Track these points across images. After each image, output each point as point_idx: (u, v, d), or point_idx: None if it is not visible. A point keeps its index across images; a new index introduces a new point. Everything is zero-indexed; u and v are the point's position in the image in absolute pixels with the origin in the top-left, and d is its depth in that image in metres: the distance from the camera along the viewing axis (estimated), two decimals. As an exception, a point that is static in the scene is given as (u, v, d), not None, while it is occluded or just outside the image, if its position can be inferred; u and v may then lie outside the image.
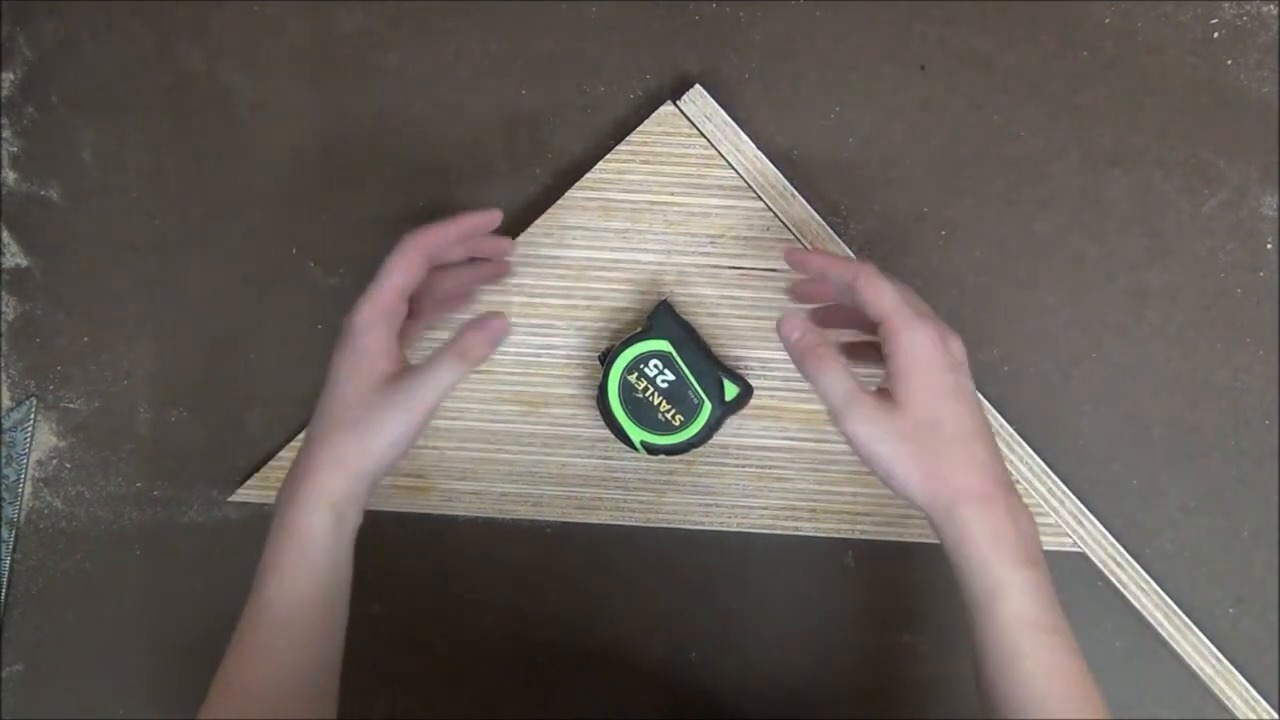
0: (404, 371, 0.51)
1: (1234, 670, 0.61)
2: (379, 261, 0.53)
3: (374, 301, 0.52)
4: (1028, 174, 0.64)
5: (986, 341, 0.64)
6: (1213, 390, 0.63)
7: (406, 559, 0.65)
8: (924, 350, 0.48)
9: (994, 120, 0.64)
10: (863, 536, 0.63)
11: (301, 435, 0.65)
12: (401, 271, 0.52)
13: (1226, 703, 0.61)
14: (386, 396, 0.50)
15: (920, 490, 0.48)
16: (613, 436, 0.61)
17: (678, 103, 0.63)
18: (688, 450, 0.60)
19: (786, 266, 0.63)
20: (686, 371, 0.59)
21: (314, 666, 0.50)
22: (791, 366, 0.63)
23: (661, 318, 0.60)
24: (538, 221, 0.64)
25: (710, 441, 0.61)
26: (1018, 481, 0.62)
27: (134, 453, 0.66)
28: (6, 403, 0.67)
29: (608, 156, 0.64)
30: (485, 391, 0.64)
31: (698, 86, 0.63)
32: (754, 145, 0.63)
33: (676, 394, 0.59)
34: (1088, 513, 0.62)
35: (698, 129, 0.63)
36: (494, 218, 0.56)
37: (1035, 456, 0.62)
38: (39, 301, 0.67)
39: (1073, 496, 0.62)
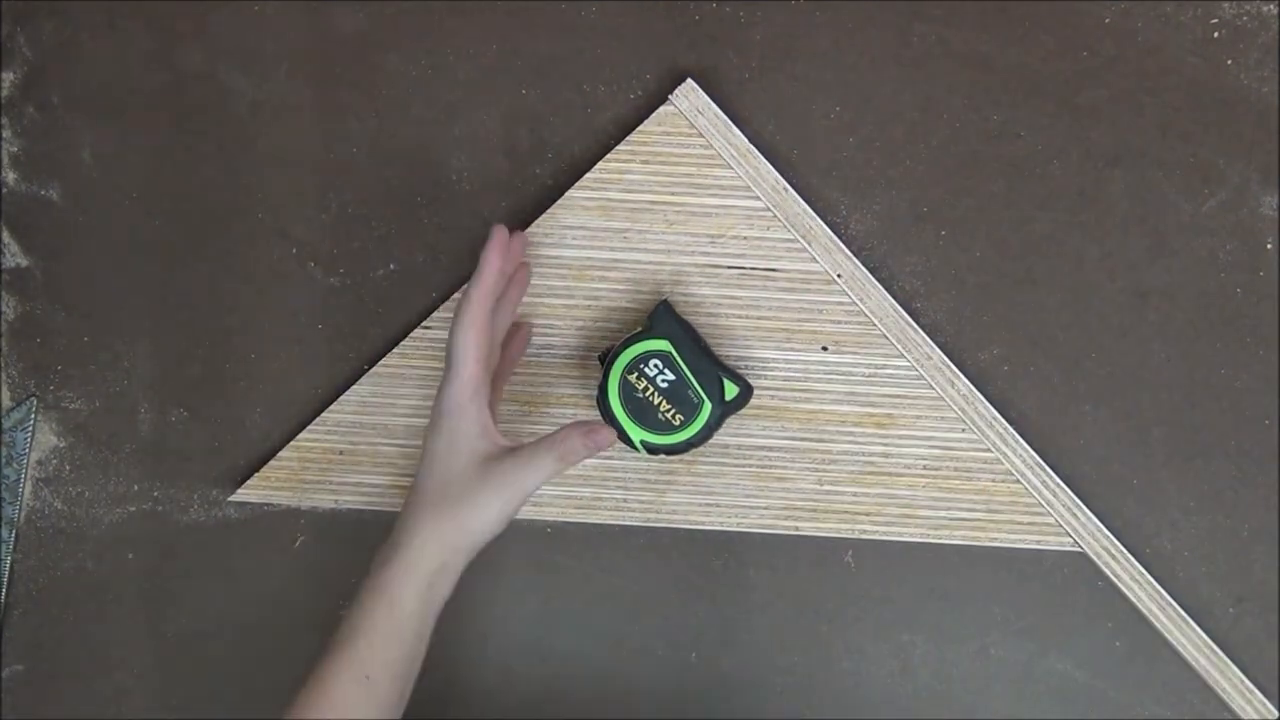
0: (503, 454, 0.53)
1: (1235, 669, 0.61)
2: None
3: (460, 383, 0.53)
4: (1028, 174, 0.64)
5: (986, 341, 0.64)
6: (1213, 390, 0.63)
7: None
8: None
9: (994, 120, 0.64)
10: (863, 536, 0.64)
11: (301, 435, 0.65)
12: (474, 346, 0.53)
13: (1228, 701, 0.61)
14: (486, 478, 0.52)
15: None
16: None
17: (670, 97, 0.63)
18: (688, 450, 0.60)
19: (786, 266, 0.63)
20: (686, 371, 0.59)
21: None
22: (791, 366, 0.64)
23: (661, 318, 0.60)
24: (538, 221, 0.64)
25: (710, 441, 0.61)
26: (1017, 481, 0.62)
27: (134, 453, 0.66)
28: (6, 403, 0.67)
29: (608, 156, 0.64)
30: (485, 391, 0.64)
31: (689, 81, 0.63)
32: (745, 138, 0.63)
33: (676, 394, 0.59)
34: (1088, 512, 0.62)
35: (688, 120, 0.63)
36: (507, 236, 0.56)
37: (1035, 456, 0.62)
38: (39, 301, 0.67)
39: (1073, 496, 0.62)
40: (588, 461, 0.63)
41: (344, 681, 0.51)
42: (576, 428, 0.53)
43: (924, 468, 0.63)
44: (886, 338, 0.63)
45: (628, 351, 0.60)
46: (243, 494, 0.65)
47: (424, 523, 0.52)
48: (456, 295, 0.64)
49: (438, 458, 0.53)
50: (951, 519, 0.63)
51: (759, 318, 0.63)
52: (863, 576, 0.64)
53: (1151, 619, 0.62)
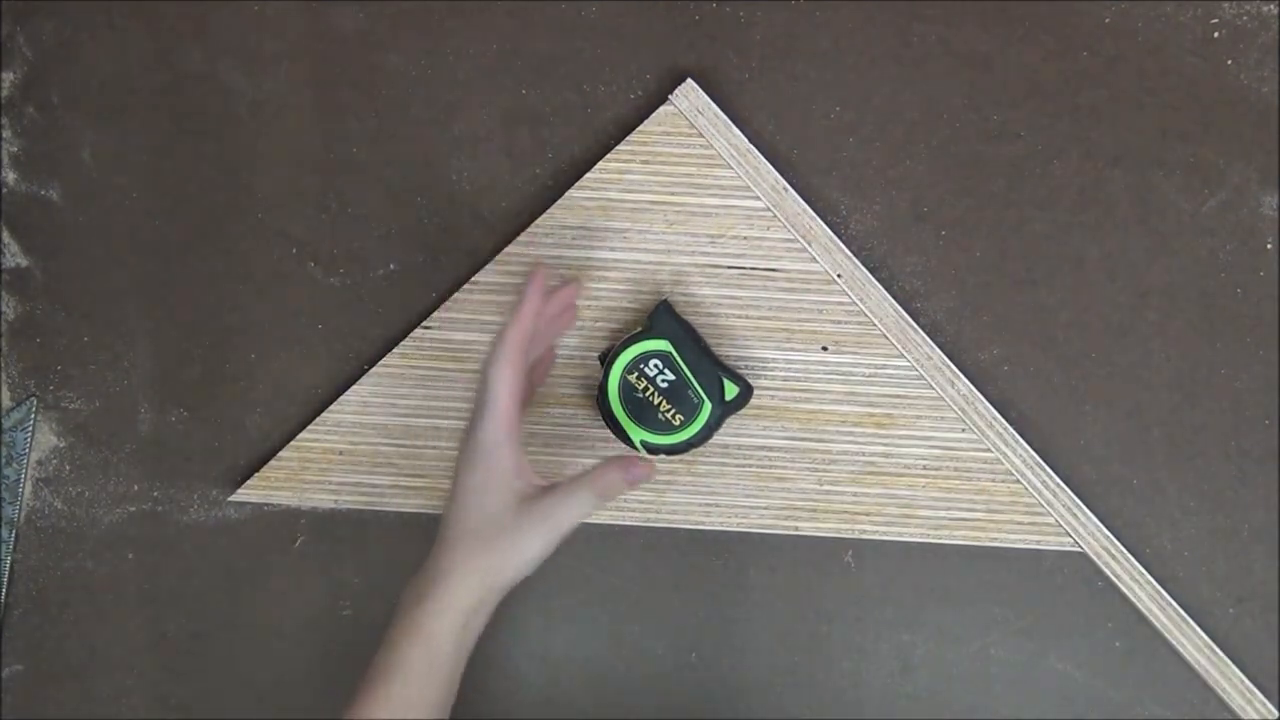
0: (541, 492, 0.53)
1: (1235, 669, 0.61)
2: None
3: (496, 421, 0.52)
4: (1028, 174, 0.64)
5: (986, 341, 0.64)
6: (1213, 390, 0.63)
7: (407, 559, 0.65)
8: None
9: (994, 120, 0.64)
10: (863, 536, 0.64)
11: (301, 435, 0.65)
12: (509, 382, 0.53)
13: (1227, 701, 0.61)
14: (524, 516, 0.52)
15: None
16: (613, 436, 0.61)
17: (670, 97, 0.63)
18: (688, 450, 0.60)
19: (786, 266, 0.63)
20: (686, 371, 0.59)
21: None
22: (791, 366, 0.64)
23: (661, 317, 0.60)
24: (538, 221, 0.64)
25: (710, 441, 0.61)
26: (1017, 481, 0.63)
27: (134, 453, 0.66)
28: (6, 403, 0.67)
29: (608, 156, 0.64)
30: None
31: (689, 81, 0.63)
32: (745, 138, 0.63)
33: (676, 394, 0.59)
34: (1087, 512, 0.62)
35: (688, 120, 0.63)
36: (546, 280, 0.55)
37: (1035, 456, 0.62)
38: (39, 301, 0.67)
39: (1073, 496, 0.62)
40: (588, 461, 0.63)
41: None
42: (615, 463, 0.53)
43: (924, 468, 0.63)
44: (886, 338, 0.63)
45: (628, 351, 0.60)
46: (243, 494, 0.65)
47: (461, 561, 0.52)
48: (458, 295, 0.64)
49: (472, 495, 0.52)
50: (951, 519, 0.63)
51: (759, 318, 0.63)
52: (863, 576, 0.64)
53: (1151, 619, 0.62)
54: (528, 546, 0.52)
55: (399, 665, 0.50)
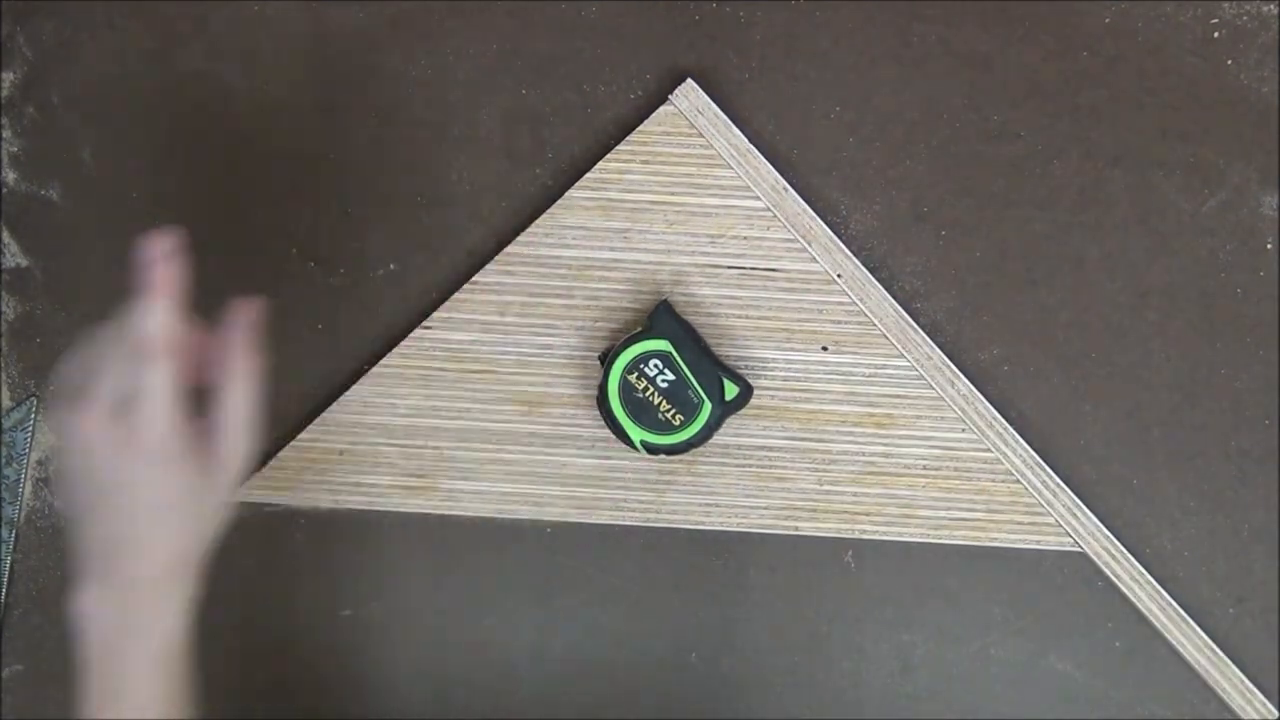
0: (207, 450, 0.50)
1: (1235, 669, 0.61)
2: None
3: (160, 415, 0.48)
4: (1028, 174, 0.64)
5: (986, 341, 0.64)
6: (1213, 390, 0.63)
7: (407, 559, 0.65)
8: None
9: (994, 120, 0.64)
10: (863, 536, 0.63)
11: (301, 435, 0.65)
12: (169, 383, 0.48)
13: (1228, 701, 0.61)
14: (211, 484, 0.50)
15: None
16: (613, 436, 0.61)
17: (670, 97, 0.63)
18: (688, 450, 0.60)
19: (786, 266, 0.63)
20: (686, 371, 0.59)
21: None
22: (791, 366, 0.64)
23: (661, 318, 0.60)
24: (538, 221, 0.64)
25: (710, 441, 0.61)
26: (1017, 481, 0.62)
27: (134, 453, 0.66)
28: (6, 403, 0.67)
29: (608, 156, 0.64)
30: (485, 392, 0.64)
31: (689, 81, 0.63)
32: (745, 138, 0.63)
33: (676, 394, 0.59)
34: (1087, 512, 0.62)
35: (688, 120, 0.63)
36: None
37: (1035, 456, 0.62)
38: (39, 301, 0.67)
39: (1073, 496, 0.62)
40: (588, 461, 0.64)
41: None
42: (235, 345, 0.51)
43: (924, 468, 0.63)
44: (886, 338, 0.63)
45: (628, 351, 0.60)
46: (242, 494, 0.65)
47: (176, 554, 0.50)
48: (458, 295, 0.64)
49: (158, 505, 0.49)
50: (951, 519, 0.63)
51: (759, 318, 0.63)
52: (863, 576, 0.64)
53: (1151, 619, 0.62)
54: (227, 489, 0.50)
55: (136, 697, 0.48)
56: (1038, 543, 0.63)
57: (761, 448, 0.64)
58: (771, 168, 0.63)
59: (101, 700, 0.48)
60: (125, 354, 0.48)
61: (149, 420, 0.47)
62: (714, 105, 0.63)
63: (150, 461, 0.48)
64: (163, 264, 0.48)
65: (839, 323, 0.63)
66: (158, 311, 0.48)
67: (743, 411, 0.62)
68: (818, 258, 0.63)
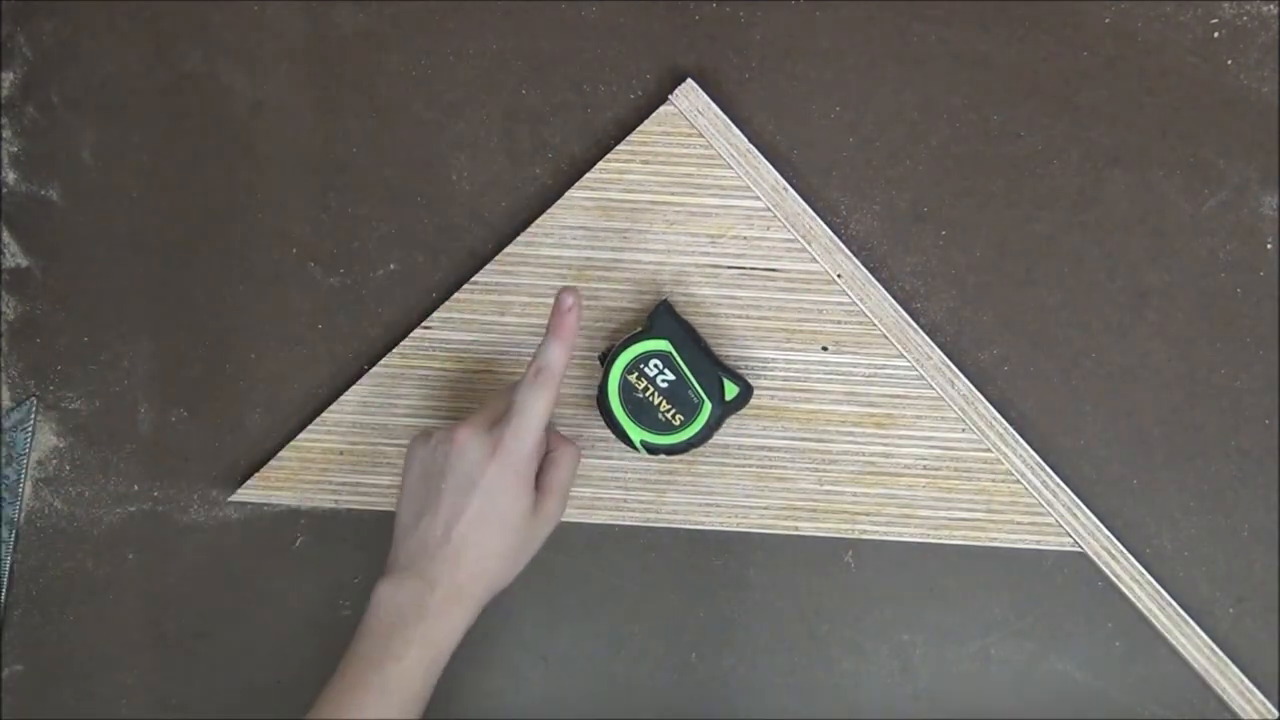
0: (537, 493, 0.54)
1: (1235, 669, 0.61)
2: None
3: (530, 436, 0.52)
4: (1028, 174, 0.64)
5: (986, 341, 0.64)
6: (1213, 390, 0.63)
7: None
8: None
9: (994, 120, 0.64)
10: (863, 536, 0.63)
11: (301, 435, 0.65)
12: (546, 405, 0.53)
13: (1228, 701, 0.61)
14: (538, 522, 0.53)
15: None
16: (613, 436, 0.61)
17: (670, 97, 0.63)
18: (688, 450, 0.60)
19: (786, 266, 0.63)
20: (686, 371, 0.59)
21: None
22: (791, 366, 0.64)
23: (661, 318, 0.60)
24: (538, 221, 0.64)
25: (710, 441, 0.61)
26: (1017, 481, 0.63)
27: (134, 453, 0.66)
28: (6, 403, 0.67)
29: (608, 156, 0.64)
30: (486, 392, 0.64)
31: (689, 81, 0.63)
32: (745, 138, 0.63)
33: (676, 394, 0.60)
34: (1087, 512, 0.62)
35: (688, 120, 0.63)
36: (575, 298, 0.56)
37: (1035, 456, 0.62)
38: (39, 301, 0.67)
39: (1073, 496, 0.62)
40: (588, 461, 0.64)
41: None
42: (557, 435, 0.57)
43: (924, 468, 0.63)
44: (886, 338, 0.63)
45: (628, 351, 0.60)
46: (243, 494, 0.65)
47: (483, 575, 0.52)
48: (459, 295, 0.64)
49: (493, 513, 0.52)
50: (951, 519, 0.63)
51: (759, 318, 0.63)
52: (863, 576, 0.64)
53: (1151, 619, 0.62)
54: (541, 541, 0.54)
55: (399, 681, 0.49)
56: (1038, 543, 0.63)
57: (761, 448, 0.64)
58: (771, 168, 0.63)
59: (363, 676, 0.49)
60: (511, 385, 0.55)
61: (519, 431, 0.52)
62: (714, 105, 0.63)
63: (507, 469, 0.52)
64: (571, 314, 0.54)
65: (839, 323, 0.63)
66: (558, 349, 0.54)
67: (743, 411, 0.62)
68: (818, 258, 0.63)
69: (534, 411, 0.52)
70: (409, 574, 0.51)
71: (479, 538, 0.51)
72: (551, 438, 0.56)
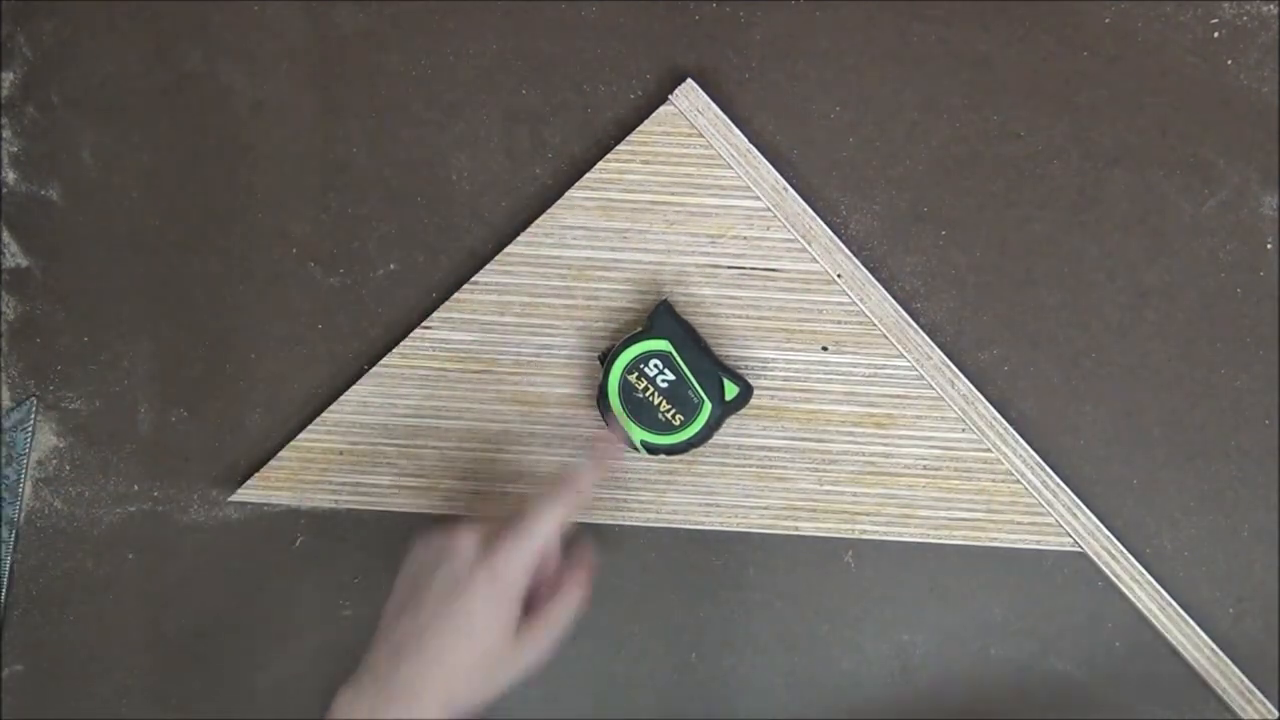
0: (528, 617, 0.51)
1: (1235, 669, 0.61)
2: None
3: (527, 550, 0.50)
4: (1028, 174, 0.64)
5: (986, 341, 0.64)
6: (1213, 390, 0.63)
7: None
8: None
9: (994, 120, 0.64)
10: (863, 536, 0.64)
11: (301, 435, 0.65)
12: (556, 521, 0.51)
13: (1228, 701, 0.61)
14: (520, 647, 0.50)
15: None
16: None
17: (670, 97, 0.63)
18: (688, 450, 0.60)
19: (786, 266, 0.63)
20: (686, 371, 0.59)
21: None
22: (791, 366, 0.64)
23: (661, 318, 0.60)
24: (538, 221, 0.64)
25: (710, 441, 0.61)
26: (1017, 481, 0.63)
27: (134, 453, 0.66)
28: (6, 403, 0.67)
29: (608, 156, 0.64)
30: (486, 392, 0.64)
31: (689, 81, 0.63)
32: (745, 138, 0.63)
33: (676, 394, 0.60)
34: (1087, 512, 0.62)
35: (688, 120, 0.63)
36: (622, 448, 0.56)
37: (1035, 456, 0.62)
38: (39, 301, 0.67)
39: (1073, 496, 0.62)
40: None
41: None
42: (584, 576, 0.53)
43: (924, 468, 0.63)
44: (886, 338, 0.63)
45: (628, 351, 0.60)
46: (243, 494, 0.65)
47: (447, 693, 0.48)
48: (459, 295, 0.64)
49: (474, 625, 0.48)
50: (951, 519, 0.63)
51: (759, 318, 0.63)
52: (863, 576, 0.64)
53: (1151, 619, 0.62)
54: (515, 676, 0.50)
55: None
56: (1038, 543, 0.63)
57: (761, 448, 0.64)
58: (771, 168, 0.63)
59: None
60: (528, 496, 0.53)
61: (518, 544, 0.49)
62: (714, 105, 0.63)
63: (495, 582, 0.49)
64: (616, 451, 0.57)
65: (839, 323, 0.63)
66: (591, 472, 0.53)
67: (743, 411, 0.62)
68: (818, 258, 0.63)
69: (540, 526, 0.50)
70: (370, 682, 0.48)
71: (451, 653, 0.48)
72: (571, 572, 0.53)
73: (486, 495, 0.63)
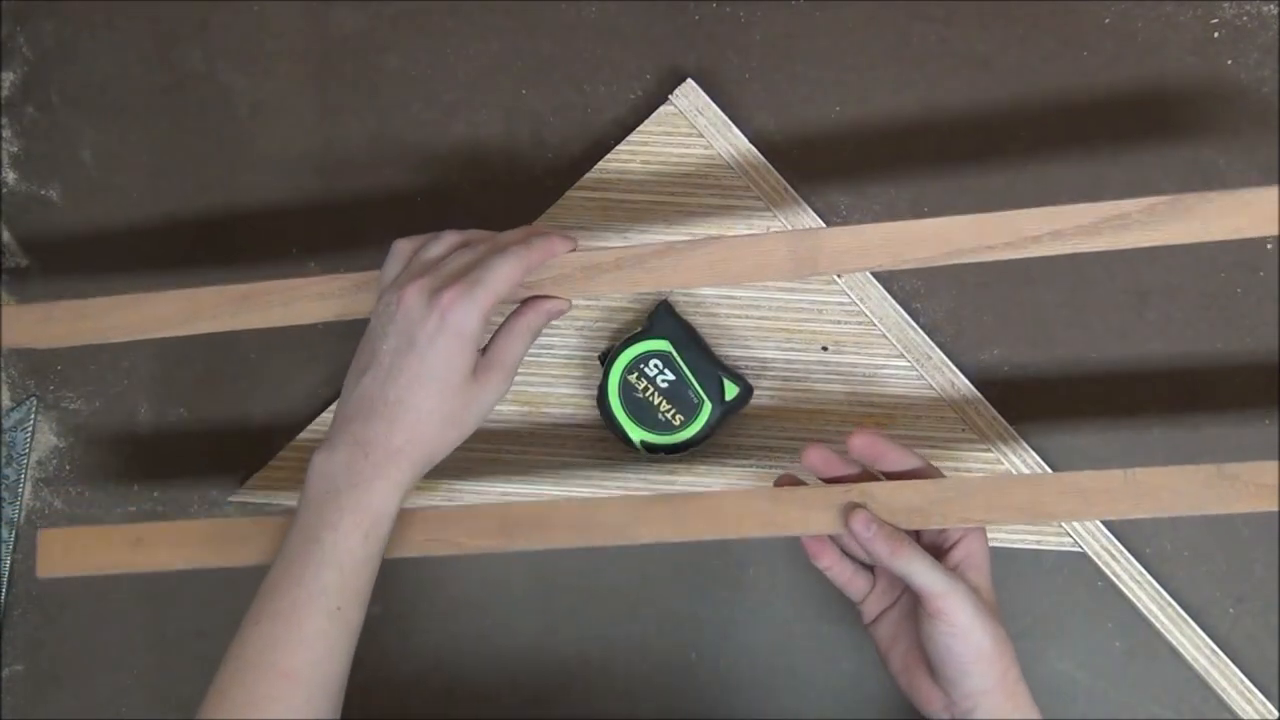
0: (481, 362, 0.51)
1: (1235, 669, 0.61)
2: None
3: (478, 298, 0.49)
4: (1028, 174, 0.64)
5: (986, 341, 0.64)
6: (1213, 390, 0.63)
7: (407, 559, 0.65)
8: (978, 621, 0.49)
9: (994, 120, 0.64)
10: (863, 536, 0.63)
11: (301, 435, 0.65)
12: (505, 277, 0.50)
13: (1227, 701, 0.61)
14: (479, 384, 0.51)
15: (992, 679, 0.49)
16: (613, 436, 0.61)
17: (670, 97, 0.63)
18: (687, 450, 0.60)
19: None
20: (686, 371, 0.59)
21: (348, 663, 0.49)
22: (791, 366, 0.64)
23: (661, 318, 0.60)
24: (537, 222, 0.64)
25: (710, 441, 0.61)
26: (1018, 481, 0.63)
27: (134, 453, 0.66)
28: (6, 403, 0.67)
29: (608, 156, 0.64)
30: (485, 391, 0.64)
31: (689, 81, 0.63)
32: (745, 138, 0.63)
33: (676, 394, 0.60)
34: (1088, 512, 0.62)
35: (688, 120, 0.63)
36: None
37: (1035, 456, 0.62)
38: (39, 301, 0.67)
39: (1073, 496, 0.62)
40: (588, 461, 0.64)
41: (316, 616, 0.47)
42: (533, 305, 0.52)
43: (924, 468, 0.63)
44: (886, 338, 0.63)
45: (628, 351, 0.60)
46: (243, 494, 0.65)
47: (417, 439, 0.49)
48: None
49: (437, 369, 0.49)
50: (951, 519, 0.63)
51: (759, 318, 0.63)
52: (863, 576, 0.64)
53: (1151, 619, 0.62)
54: (481, 412, 0.51)
55: (334, 555, 0.48)
56: (1038, 543, 0.63)
57: (761, 448, 0.64)
58: (771, 168, 0.63)
59: (301, 549, 0.48)
60: (482, 245, 0.52)
61: (469, 297, 0.49)
62: (714, 105, 0.63)
63: (448, 331, 0.49)
64: (560, 245, 0.53)
65: (839, 323, 0.63)
66: (559, 242, 0.52)
67: (743, 411, 0.62)
68: (818, 258, 0.63)
69: (489, 276, 0.50)
70: (343, 441, 0.49)
71: (415, 399, 0.49)
72: (520, 309, 0.53)
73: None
